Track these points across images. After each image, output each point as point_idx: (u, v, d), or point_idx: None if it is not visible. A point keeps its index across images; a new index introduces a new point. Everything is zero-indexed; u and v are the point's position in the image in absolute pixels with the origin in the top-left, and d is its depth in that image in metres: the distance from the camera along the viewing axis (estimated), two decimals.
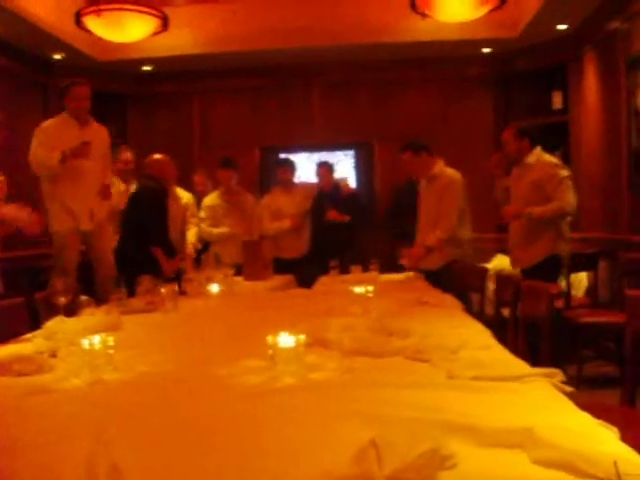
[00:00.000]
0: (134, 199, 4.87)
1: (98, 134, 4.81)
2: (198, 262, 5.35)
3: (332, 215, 6.09)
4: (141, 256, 4.57)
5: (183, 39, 6.71)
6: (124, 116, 7.54)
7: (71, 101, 4.63)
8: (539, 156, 4.52)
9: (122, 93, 7.48)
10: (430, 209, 4.89)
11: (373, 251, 5.60)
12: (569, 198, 4.36)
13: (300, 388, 1.68)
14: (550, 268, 4.36)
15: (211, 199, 5.97)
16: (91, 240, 4.77)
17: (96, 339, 1.92)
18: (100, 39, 5.60)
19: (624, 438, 1.24)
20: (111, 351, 1.94)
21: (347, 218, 6.09)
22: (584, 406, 1.46)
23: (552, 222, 4.44)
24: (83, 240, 4.78)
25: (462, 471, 1.13)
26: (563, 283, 5.31)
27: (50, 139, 4.55)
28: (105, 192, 4.76)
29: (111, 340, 1.95)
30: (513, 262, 4.76)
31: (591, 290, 5.81)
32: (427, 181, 4.94)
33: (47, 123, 4.71)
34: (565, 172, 4.44)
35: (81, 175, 4.61)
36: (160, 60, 7.01)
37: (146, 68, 7.34)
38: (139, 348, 2.29)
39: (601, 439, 1.23)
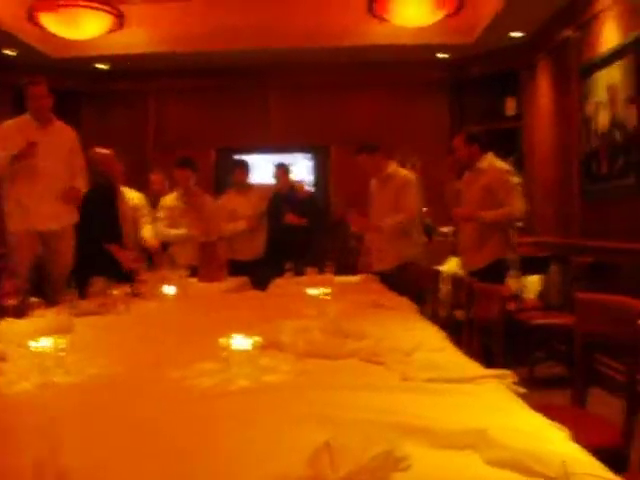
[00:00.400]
0: (86, 198, 4.79)
1: (61, 134, 4.71)
2: (151, 262, 5.30)
3: (290, 219, 6.09)
4: (95, 256, 4.50)
5: (139, 37, 6.63)
6: (78, 114, 7.42)
7: (30, 101, 4.57)
8: (491, 162, 4.58)
9: (76, 91, 7.36)
10: (384, 208, 4.92)
11: (329, 254, 5.62)
12: (519, 204, 4.44)
13: (254, 390, 1.67)
14: (496, 272, 4.41)
15: (169, 200, 5.90)
16: (50, 241, 4.67)
17: (46, 341, 1.88)
18: (54, 35, 5.51)
19: (575, 438, 1.26)
20: (62, 354, 1.90)
21: (304, 221, 6.09)
22: (536, 407, 1.48)
23: (501, 227, 4.51)
24: (41, 241, 4.67)
25: (416, 472, 1.14)
26: (515, 286, 5.40)
27: (6, 140, 4.48)
28: (68, 195, 4.64)
29: (62, 342, 1.91)
30: (463, 265, 4.82)
31: (543, 293, 5.92)
32: (380, 181, 4.98)
33: (6, 123, 4.68)
34: (516, 179, 4.53)
35: (36, 175, 4.53)
36: (115, 58, 6.92)
37: (101, 66, 7.24)
38: (91, 350, 2.25)
39: (552, 439, 1.25)
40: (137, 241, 5.64)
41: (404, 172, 4.97)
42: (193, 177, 5.79)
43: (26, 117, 4.64)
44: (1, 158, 4.39)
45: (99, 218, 4.61)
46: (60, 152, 4.65)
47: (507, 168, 4.62)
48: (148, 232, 5.80)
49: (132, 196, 5.78)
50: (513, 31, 6.33)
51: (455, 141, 4.76)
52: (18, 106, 5.03)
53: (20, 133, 4.52)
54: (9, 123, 4.66)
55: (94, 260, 4.44)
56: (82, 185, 4.78)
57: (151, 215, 5.89)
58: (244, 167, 6.25)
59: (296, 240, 5.95)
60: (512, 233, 4.64)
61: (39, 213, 4.59)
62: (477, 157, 4.59)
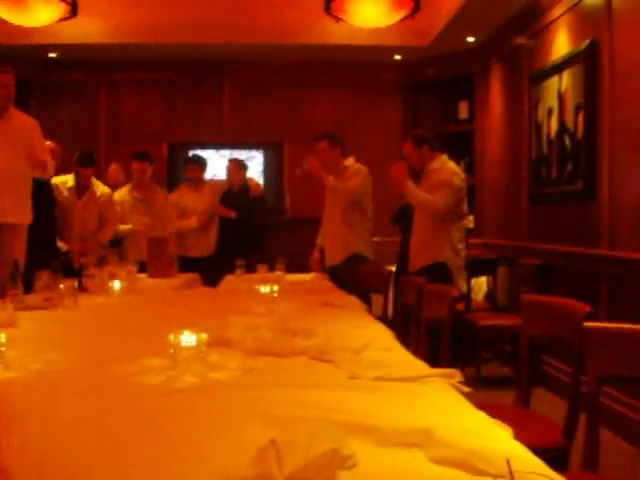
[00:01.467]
0: None
1: (20, 124, 4.50)
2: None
3: (220, 211, 6.02)
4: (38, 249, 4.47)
5: (93, 27, 6.51)
6: (27, 104, 7.23)
7: None
8: (444, 163, 4.57)
9: (26, 79, 7.16)
10: (338, 200, 4.90)
11: (282, 251, 5.60)
12: (446, 199, 4.36)
13: (201, 387, 1.66)
14: (435, 275, 4.19)
15: (119, 194, 5.83)
16: (2, 236, 4.47)
17: None
18: (4, 22, 5.36)
19: (518, 436, 1.28)
20: (3, 348, 1.85)
21: (233, 214, 6.00)
22: (480, 406, 1.50)
23: (444, 230, 4.45)
24: None
25: (362, 471, 1.14)
26: (464, 287, 5.47)
27: None
28: (35, 161, 4.45)
29: (3, 337, 1.86)
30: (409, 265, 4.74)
31: (490, 294, 6.02)
32: (336, 177, 4.89)
33: None
34: (458, 181, 4.46)
35: None
36: (67, 47, 6.77)
37: (52, 55, 7.08)
38: (34, 346, 2.20)
39: (496, 437, 1.27)
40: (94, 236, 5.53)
41: (359, 165, 4.93)
42: (150, 170, 5.77)
43: None
44: None
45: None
46: (17, 143, 4.45)
47: (456, 170, 4.57)
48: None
49: (103, 190, 5.66)
50: (467, 36, 6.42)
51: (405, 148, 4.69)
52: None
53: None
54: None
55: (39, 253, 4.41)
56: (44, 157, 4.57)
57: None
58: (197, 164, 6.19)
59: (245, 237, 5.91)
60: (458, 237, 4.57)
61: None
62: (429, 159, 4.55)
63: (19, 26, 5.47)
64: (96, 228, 5.46)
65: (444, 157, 4.60)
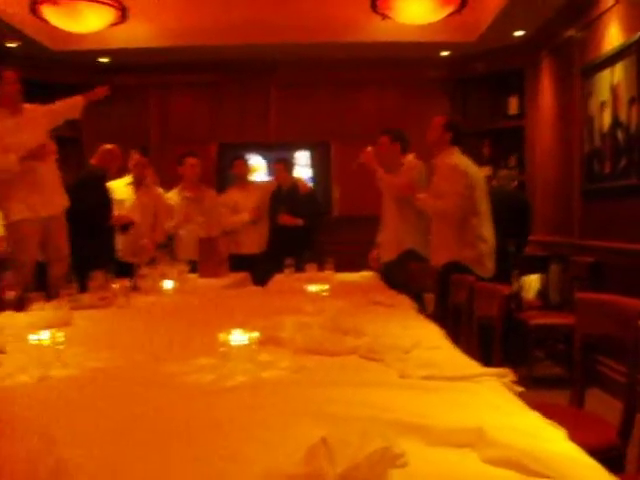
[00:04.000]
0: (74, 185, 4.97)
1: (33, 116, 4.53)
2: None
3: (284, 219, 6.00)
4: (90, 247, 4.61)
5: (142, 31, 6.62)
6: None
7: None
8: (459, 157, 4.41)
9: (77, 84, 7.30)
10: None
11: (331, 250, 5.61)
12: (455, 202, 4.28)
13: (252, 386, 1.67)
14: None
15: (169, 195, 5.92)
16: (47, 233, 4.56)
17: (45, 335, 1.88)
18: (56, 28, 5.49)
19: (573, 437, 1.26)
20: (60, 347, 1.90)
21: (300, 222, 6.01)
22: (534, 406, 1.48)
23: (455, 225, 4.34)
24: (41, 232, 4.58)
25: (413, 470, 1.13)
26: (515, 285, 5.39)
27: None
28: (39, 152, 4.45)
29: (60, 336, 1.91)
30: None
31: (542, 292, 5.92)
32: (391, 172, 4.88)
33: None
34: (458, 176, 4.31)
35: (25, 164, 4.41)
36: (117, 52, 6.90)
37: (103, 59, 7.22)
38: (89, 344, 2.25)
39: (550, 438, 1.25)
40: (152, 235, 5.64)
41: (415, 161, 4.88)
42: (200, 167, 5.94)
43: None
44: (11, 163, 4.23)
45: (87, 202, 4.74)
46: (36, 133, 4.47)
47: (461, 168, 4.36)
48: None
49: (157, 187, 5.82)
50: (516, 30, 6.32)
51: (437, 119, 4.57)
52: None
53: None
54: None
55: (90, 252, 4.55)
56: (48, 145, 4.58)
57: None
58: (244, 159, 6.29)
59: (295, 236, 5.93)
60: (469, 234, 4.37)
61: (38, 203, 4.47)
62: (444, 147, 4.43)
63: (70, 32, 5.59)
64: (153, 222, 5.60)
65: (456, 151, 4.44)
